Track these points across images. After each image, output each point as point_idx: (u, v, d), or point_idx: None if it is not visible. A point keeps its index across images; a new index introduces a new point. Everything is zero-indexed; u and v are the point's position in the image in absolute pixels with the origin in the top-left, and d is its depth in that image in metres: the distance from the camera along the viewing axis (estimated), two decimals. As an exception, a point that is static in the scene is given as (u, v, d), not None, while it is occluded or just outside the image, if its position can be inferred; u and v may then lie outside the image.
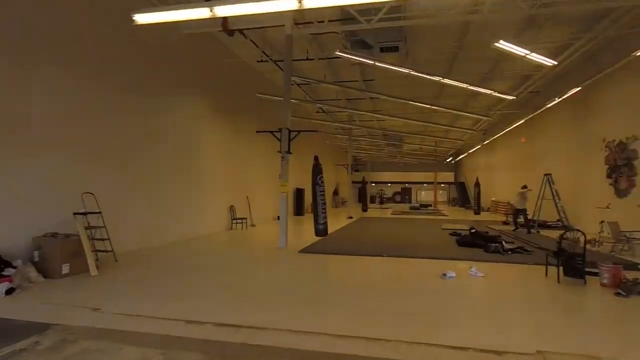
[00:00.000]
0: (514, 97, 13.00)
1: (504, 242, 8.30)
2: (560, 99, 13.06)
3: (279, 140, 8.87)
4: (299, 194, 19.51)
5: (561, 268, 5.83)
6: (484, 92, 12.10)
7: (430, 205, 32.64)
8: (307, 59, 11.67)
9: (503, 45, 8.11)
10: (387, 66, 9.64)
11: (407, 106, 16.85)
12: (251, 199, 14.00)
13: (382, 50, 9.29)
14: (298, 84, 14.39)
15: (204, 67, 11.07)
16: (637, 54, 9.21)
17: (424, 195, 42.25)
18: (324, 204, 9.52)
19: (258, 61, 12.25)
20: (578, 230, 5.76)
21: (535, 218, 13.64)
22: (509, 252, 7.92)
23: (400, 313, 4.28)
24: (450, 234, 11.40)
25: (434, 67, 11.59)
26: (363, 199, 25.53)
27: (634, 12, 8.88)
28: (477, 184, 18.58)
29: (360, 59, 9.38)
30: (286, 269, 6.99)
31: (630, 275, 5.61)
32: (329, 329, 3.70)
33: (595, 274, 5.78)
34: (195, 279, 5.80)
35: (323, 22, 8.85)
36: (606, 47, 11.01)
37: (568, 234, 5.76)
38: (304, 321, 3.97)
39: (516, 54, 8.65)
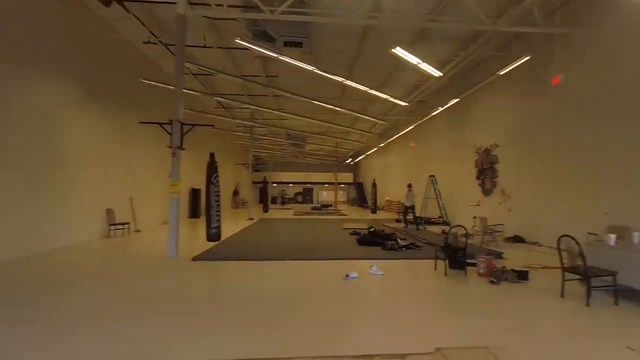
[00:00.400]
0: (407, 104, 14.12)
1: (399, 240, 8.78)
2: (442, 109, 14.67)
3: (170, 134, 7.80)
4: (194, 194, 17.96)
5: (447, 261, 6.33)
6: (380, 97, 12.80)
7: (331, 206, 33.84)
8: (205, 47, 10.65)
9: (399, 52, 8.56)
10: (291, 60, 9.35)
11: (310, 106, 16.95)
12: (135, 201, 12.20)
13: (285, 44, 8.94)
14: (194, 74, 13.14)
15: (73, 42, 9.11)
16: (500, 74, 10.81)
17: (325, 196, 43.72)
18: (219, 205, 8.74)
19: (145, 42, 10.71)
20: (461, 226, 6.31)
21: (422, 215, 15.10)
22: (404, 249, 8.39)
23: (304, 324, 3.95)
24: (351, 234, 11.72)
25: (337, 69, 11.77)
26: (264, 199, 24.97)
27: (499, 36, 10.40)
28: (374, 185, 19.81)
29: (263, 50, 8.88)
30: (174, 281, 6.06)
31: (498, 263, 6.39)
32: (221, 354, 3.13)
33: (474, 265, 6.43)
34: (45, 303, 4.52)
35: (222, 6, 8.10)
36: (477, 66, 12.74)
37: (453, 230, 6.27)
38: (191, 347, 3.31)
39: (409, 62, 9.26)
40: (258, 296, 5.03)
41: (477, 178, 13.29)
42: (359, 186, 38.35)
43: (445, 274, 6.16)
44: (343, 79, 10.87)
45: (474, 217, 10.23)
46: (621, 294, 4.52)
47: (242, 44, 8.59)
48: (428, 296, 5.24)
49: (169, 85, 10.75)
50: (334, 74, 10.58)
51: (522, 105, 10.74)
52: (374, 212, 20.13)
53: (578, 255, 4.87)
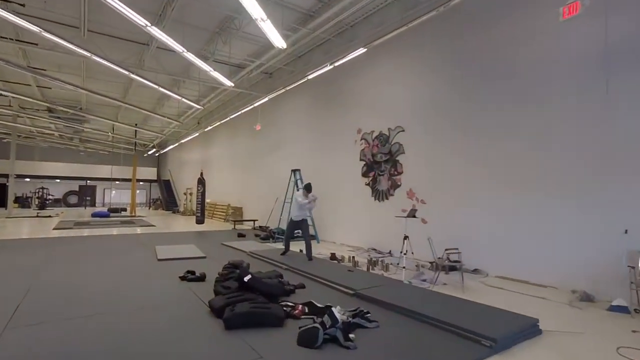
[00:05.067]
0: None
1: (335, 310, 3.61)
2: (312, 75, 10.21)
3: None
4: None
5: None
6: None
7: (125, 210, 24.49)
8: None
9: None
10: None
11: (95, 67, 9.47)
12: None
13: None
14: None
15: None
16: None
17: (115, 196, 32.50)
18: None
19: None
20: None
21: (267, 226, 10.24)
22: (352, 338, 3.35)
23: None
24: (183, 278, 5.62)
25: None
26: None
27: None
28: (201, 182, 13.41)
29: None
30: None
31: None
32: None
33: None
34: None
35: None
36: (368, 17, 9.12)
37: None
38: None
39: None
40: None
41: (365, 175, 9.67)
42: (166, 184, 30.02)
43: None
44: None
45: (405, 238, 6.26)
46: None
47: None
48: None
49: None
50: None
51: (448, 70, 7.66)
52: (201, 221, 13.74)
53: None
